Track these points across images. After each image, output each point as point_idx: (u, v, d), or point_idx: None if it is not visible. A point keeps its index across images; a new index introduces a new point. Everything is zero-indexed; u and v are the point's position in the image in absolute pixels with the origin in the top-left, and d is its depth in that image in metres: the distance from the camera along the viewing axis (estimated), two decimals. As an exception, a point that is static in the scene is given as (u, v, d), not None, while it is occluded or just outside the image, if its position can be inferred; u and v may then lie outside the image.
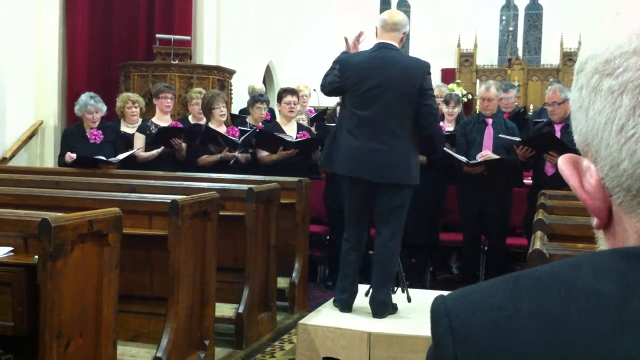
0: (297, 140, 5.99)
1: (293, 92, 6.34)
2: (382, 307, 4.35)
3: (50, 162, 7.38)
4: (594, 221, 0.72)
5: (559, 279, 0.65)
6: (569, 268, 0.66)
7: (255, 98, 6.93)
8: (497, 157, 5.68)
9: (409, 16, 14.87)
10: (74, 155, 5.79)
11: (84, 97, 6.02)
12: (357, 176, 4.29)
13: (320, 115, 7.69)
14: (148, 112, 6.59)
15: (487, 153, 5.72)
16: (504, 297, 0.65)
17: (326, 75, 4.44)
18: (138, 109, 6.33)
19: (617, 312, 0.60)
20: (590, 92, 0.68)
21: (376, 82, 4.23)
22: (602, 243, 0.73)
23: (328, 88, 4.41)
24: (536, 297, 0.63)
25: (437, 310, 0.68)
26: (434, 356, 0.67)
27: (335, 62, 4.41)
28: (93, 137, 5.95)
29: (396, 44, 4.35)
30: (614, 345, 0.58)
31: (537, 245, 2.40)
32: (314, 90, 8.43)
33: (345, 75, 4.31)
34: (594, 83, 0.67)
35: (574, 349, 0.59)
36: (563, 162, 0.72)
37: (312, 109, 8.08)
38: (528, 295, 0.64)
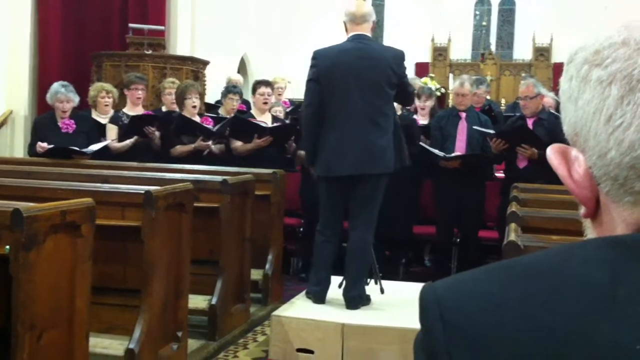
0: (271, 126, 5.98)
1: (267, 83, 6.34)
2: (356, 300, 4.37)
3: (20, 152, 7.27)
4: (582, 210, 0.72)
5: (548, 267, 0.65)
6: (558, 256, 0.66)
7: (228, 89, 6.92)
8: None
9: (383, 10, 14.89)
10: (45, 145, 5.70)
11: (56, 85, 5.93)
12: (345, 174, 4.30)
13: (297, 108, 7.67)
14: (120, 102, 6.51)
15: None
16: (494, 285, 0.66)
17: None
18: (111, 100, 6.27)
19: (606, 300, 0.60)
20: (580, 83, 0.69)
21: (354, 72, 4.25)
22: (590, 232, 0.74)
23: (308, 98, 4.39)
24: (525, 285, 0.64)
25: (427, 299, 0.68)
26: (422, 345, 0.67)
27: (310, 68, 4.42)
28: (65, 126, 5.87)
29: (369, 34, 4.39)
30: (602, 333, 0.59)
31: (512, 237, 2.42)
32: (289, 82, 8.42)
33: (323, 65, 4.31)
34: (584, 73, 0.68)
35: (562, 336, 0.60)
36: (552, 152, 0.72)
37: (287, 101, 8.06)
38: (517, 283, 0.64)
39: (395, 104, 5.54)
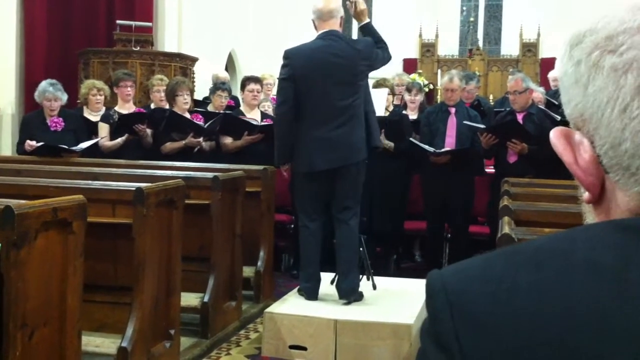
0: (262, 124, 5.97)
1: (257, 80, 6.32)
2: (351, 290, 4.39)
3: (7, 151, 7.22)
4: (585, 195, 0.71)
5: (556, 251, 0.64)
6: (566, 240, 0.65)
7: (217, 86, 6.91)
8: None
9: (371, 5, 14.88)
10: (33, 143, 5.67)
11: (44, 83, 5.89)
12: (327, 168, 4.32)
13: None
14: (112, 100, 6.47)
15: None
16: (501, 270, 0.65)
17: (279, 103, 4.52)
18: (102, 97, 6.24)
19: (616, 283, 0.60)
20: (590, 68, 0.66)
21: (328, 70, 4.30)
22: (590, 217, 0.72)
23: (282, 97, 4.44)
24: (534, 269, 0.63)
25: (434, 285, 0.67)
26: (430, 331, 0.66)
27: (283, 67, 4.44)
28: (54, 124, 5.82)
29: (338, 30, 4.44)
30: (613, 316, 0.58)
31: (506, 230, 2.42)
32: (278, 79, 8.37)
33: (296, 64, 4.35)
34: (595, 59, 0.66)
35: (572, 320, 0.59)
36: (556, 136, 0.71)
37: (275, 97, 8.03)
38: (525, 268, 0.64)
39: (383, 98, 5.51)
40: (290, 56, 4.41)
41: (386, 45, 4.53)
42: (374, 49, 4.45)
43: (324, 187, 4.43)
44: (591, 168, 0.68)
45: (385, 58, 4.52)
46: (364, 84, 4.47)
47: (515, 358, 0.60)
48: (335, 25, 4.43)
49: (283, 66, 4.42)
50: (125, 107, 6.18)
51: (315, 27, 4.48)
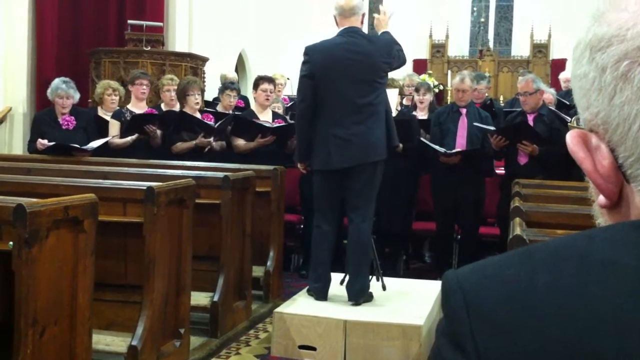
0: (275, 125, 5.97)
1: (270, 80, 6.32)
2: (360, 292, 4.38)
3: (19, 149, 7.24)
4: (600, 199, 0.70)
5: (573, 251, 0.64)
6: (583, 240, 0.65)
7: (226, 85, 6.92)
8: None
9: (381, 5, 14.87)
10: (45, 142, 5.68)
11: (57, 81, 5.91)
12: (343, 166, 4.32)
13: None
14: (126, 100, 6.49)
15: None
16: (519, 270, 0.64)
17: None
18: (118, 97, 6.28)
19: (635, 282, 0.59)
20: (618, 78, 0.64)
21: (346, 67, 4.30)
22: (602, 219, 0.71)
23: (301, 94, 4.45)
24: (551, 268, 0.62)
25: (450, 285, 0.66)
26: (446, 332, 0.66)
27: (303, 64, 4.46)
28: (65, 122, 5.84)
29: (359, 27, 4.43)
30: (632, 315, 0.58)
31: (517, 231, 2.41)
32: (288, 79, 8.41)
33: (316, 61, 4.35)
34: (624, 69, 0.64)
35: (589, 320, 0.59)
36: (573, 142, 0.69)
37: (286, 97, 8.05)
38: (543, 268, 0.63)
39: (392, 98, 5.51)
40: (309, 52, 4.41)
41: (402, 48, 4.54)
42: (394, 47, 4.45)
43: (339, 186, 4.42)
44: (611, 175, 0.66)
45: (402, 60, 4.52)
46: (384, 82, 4.46)
47: (532, 359, 0.59)
48: (356, 22, 4.42)
49: (303, 63, 4.44)
50: (139, 106, 6.18)
51: (337, 24, 4.47)
